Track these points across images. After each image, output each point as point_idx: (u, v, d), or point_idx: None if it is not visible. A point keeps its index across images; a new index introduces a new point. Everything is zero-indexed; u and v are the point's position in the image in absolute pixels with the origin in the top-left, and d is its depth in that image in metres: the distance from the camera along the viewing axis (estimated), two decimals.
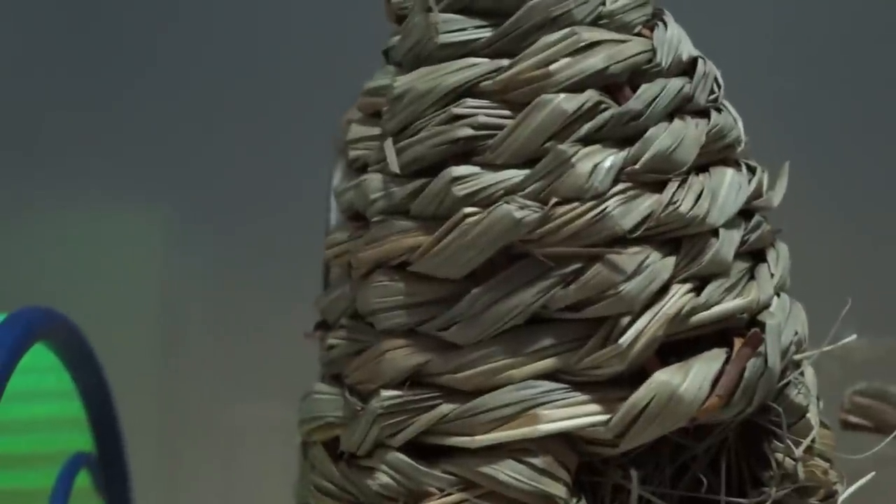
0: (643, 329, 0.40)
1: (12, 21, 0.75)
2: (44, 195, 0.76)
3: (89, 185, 0.76)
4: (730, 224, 0.42)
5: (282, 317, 0.64)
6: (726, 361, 0.40)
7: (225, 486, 0.77)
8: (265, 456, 0.74)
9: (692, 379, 0.39)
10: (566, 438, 0.40)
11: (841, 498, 0.43)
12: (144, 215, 0.77)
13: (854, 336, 0.43)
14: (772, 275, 0.43)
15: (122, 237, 0.77)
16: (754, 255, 0.43)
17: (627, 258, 0.40)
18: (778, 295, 0.43)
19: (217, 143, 0.76)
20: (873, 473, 0.43)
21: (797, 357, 0.42)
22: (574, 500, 0.40)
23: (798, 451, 0.42)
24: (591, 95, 0.41)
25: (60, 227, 0.76)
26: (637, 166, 0.40)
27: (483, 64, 0.41)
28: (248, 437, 0.76)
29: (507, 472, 0.40)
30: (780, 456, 0.42)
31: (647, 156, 0.41)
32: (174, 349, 0.77)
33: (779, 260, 0.43)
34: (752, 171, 0.44)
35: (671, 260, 0.40)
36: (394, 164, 0.42)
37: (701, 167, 0.42)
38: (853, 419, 0.50)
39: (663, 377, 0.39)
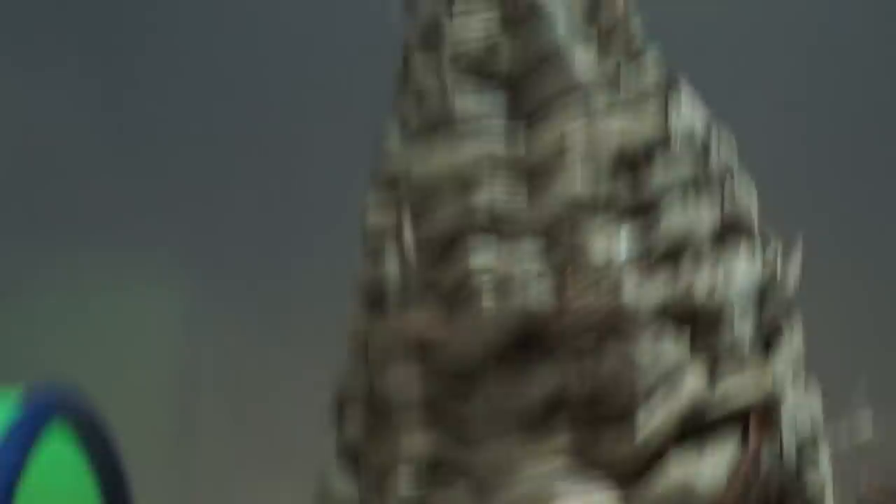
0: (658, 417, 0.40)
1: (41, 105, 0.76)
2: (66, 273, 0.76)
3: (109, 265, 0.76)
4: (744, 298, 0.42)
5: (298, 397, 0.64)
6: (742, 453, 0.40)
7: None
8: None
9: (708, 471, 0.39)
10: None
11: None
12: (163, 296, 0.77)
13: (869, 412, 0.43)
14: (786, 359, 0.42)
15: (141, 317, 0.77)
16: (769, 338, 0.43)
17: (642, 344, 0.40)
18: (793, 379, 0.43)
19: (235, 225, 0.76)
20: None
21: (813, 445, 0.42)
22: None
23: None
24: (605, 168, 0.41)
25: (81, 304, 0.76)
26: (652, 245, 0.41)
27: (499, 136, 0.41)
28: None
29: None
30: None
31: (662, 234, 0.41)
32: (189, 429, 0.77)
33: (793, 342, 0.43)
34: (766, 242, 0.44)
35: (685, 345, 0.40)
36: (410, 247, 0.42)
37: (715, 245, 0.42)
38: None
39: (679, 471, 0.39)
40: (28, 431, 0.45)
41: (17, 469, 0.44)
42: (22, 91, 0.77)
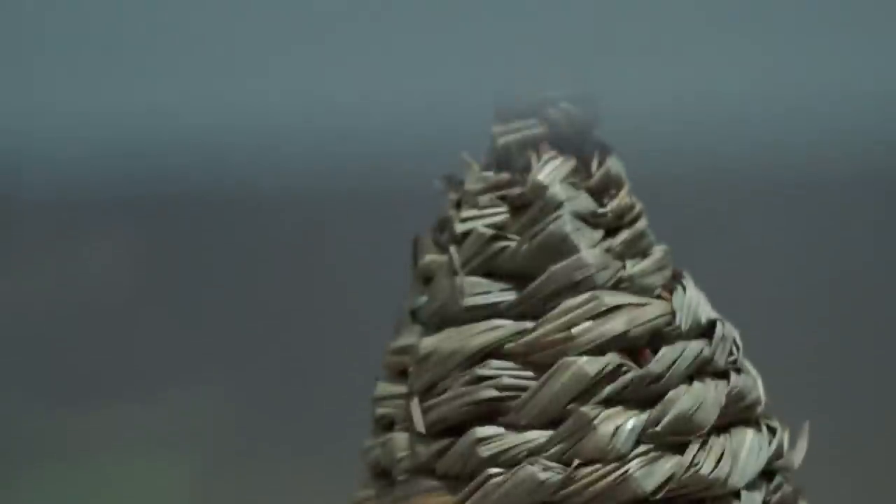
0: None
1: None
2: (72, 440, 0.76)
3: (118, 436, 0.76)
4: (751, 486, 0.42)
5: None
6: None
7: None
8: None
9: None
10: None
11: None
12: (171, 466, 0.77)
13: None
14: None
15: (149, 487, 0.77)
16: None
17: None
18: None
19: (238, 397, 0.77)
20: None
21: None
22: None
23: None
24: (612, 358, 0.42)
25: (91, 473, 0.76)
26: (658, 428, 0.41)
27: (507, 326, 0.43)
28: None
29: None
30: None
31: (668, 418, 0.41)
32: None
33: None
34: (772, 431, 0.44)
35: None
36: (419, 424, 0.43)
37: (721, 428, 0.42)
38: None
39: None
40: None
41: None
42: None
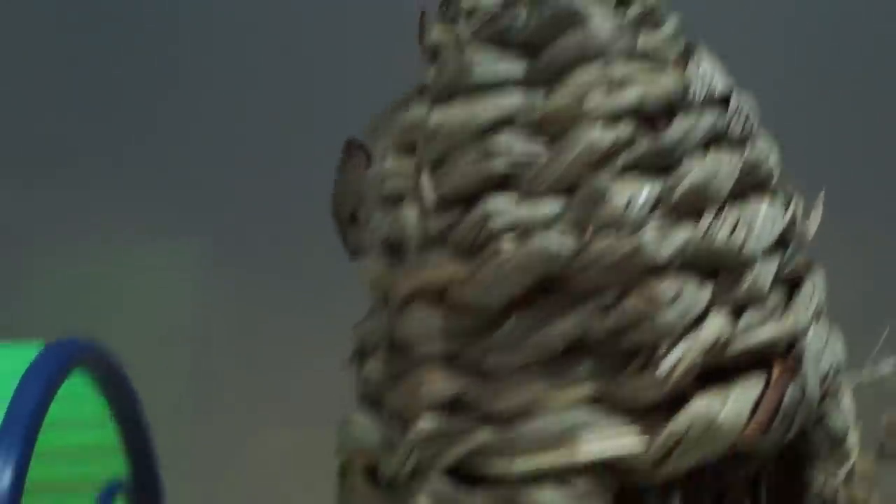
0: (681, 357, 0.40)
1: (46, 55, 0.76)
2: (81, 228, 0.76)
3: (125, 219, 0.76)
4: (766, 253, 0.42)
5: (315, 344, 0.64)
6: (765, 387, 0.40)
7: None
8: (298, 483, 0.74)
9: (731, 406, 0.40)
10: (605, 466, 0.40)
11: None
12: (176, 246, 0.77)
13: (893, 362, 0.44)
14: (808, 302, 0.43)
15: (155, 268, 0.77)
16: (791, 284, 0.43)
17: (664, 288, 0.40)
18: (816, 321, 0.43)
19: (245, 171, 0.76)
20: None
21: (835, 383, 0.43)
22: None
23: (837, 479, 0.42)
24: (626, 127, 0.41)
25: (97, 258, 0.76)
26: (673, 197, 0.41)
27: (518, 97, 0.42)
28: (282, 464, 0.76)
29: (546, 498, 0.40)
30: (819, 482, 0.42)
31: (682, 187, 0.41)
32: (206, 376, 0.77)
33: (815, 287, 0.44)
34: (787, 200, 0.44)
35: (708, 289, 0.41)
36: (430, 197, 0.42)
37: (737, 197, 0.42)
38: (892, 446, 0.50)
39: (702, 405, 0.40)
40: (50, 374, 0.46)
41: (39, 409, 0.44)
42: None
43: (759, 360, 0.41)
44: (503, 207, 0.41)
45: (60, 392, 0.46)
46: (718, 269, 0.41)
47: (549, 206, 0.41)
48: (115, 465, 0.53)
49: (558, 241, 0.40)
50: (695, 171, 0.41)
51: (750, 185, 0.43)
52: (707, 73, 0.43)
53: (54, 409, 0.46)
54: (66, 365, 0.47)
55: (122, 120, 0.76)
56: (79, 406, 0.52)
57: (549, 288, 0.41)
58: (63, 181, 0.76)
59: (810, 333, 0.42)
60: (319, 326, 0.63)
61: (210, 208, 0.77)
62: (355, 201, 0.47)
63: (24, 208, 0.76)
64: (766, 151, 0.44)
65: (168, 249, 0.77)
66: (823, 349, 0.42)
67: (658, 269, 0.40)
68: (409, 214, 0.43)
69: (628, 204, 0.40)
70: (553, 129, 0.41)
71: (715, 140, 0.42)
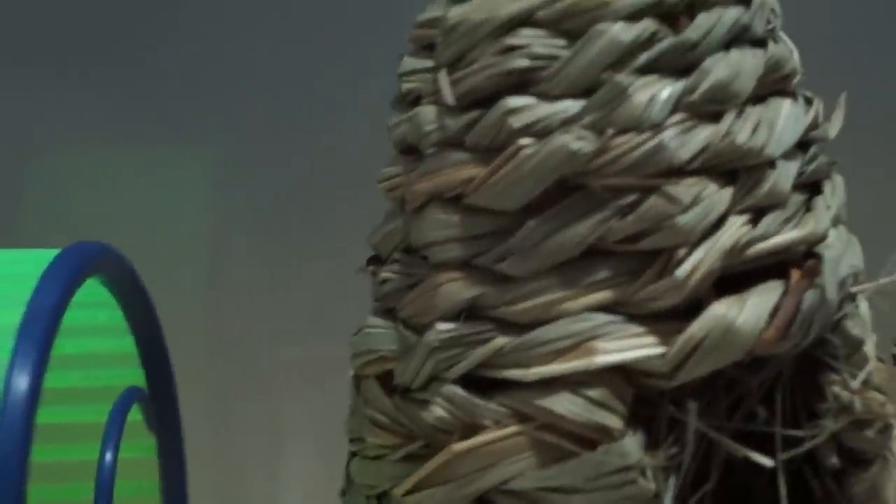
0: (700, 261, 0.39)
1: None
2: (95, 138, 0.76)
3: (137, 128, 0.76)
4: (787, 155, 0.41)
5: (330, 252, 0.64)
6: (783, 293, 0.40)
7: (273, 422, 0.77)
8: (313, 392, 0.74)
9: (749, 311, 0.39)
10: (622, 371, 0.40)
11: None
12: (191, 154, 0.77)
13: None
14: (828, 207, 0.42)
15: (170, 176, 0.77)
16: (811, 187, 0.43)
17: (684, 189, 0.40)
18: (835, 227, 0.42)
19: (262, 77, 0.76)
20: None
21: (854, 290, 0.42)
22: (629, 433, 0.40)
23: (855, 384, 0.42)
24: (648, 25, 0.40)
25: (111, 167, 0.76)
26: (694, 97, 0.40)
27: None
28: (296, 373, 0.76)
29: (562, 404, 0.40)
30: (836, 388, 0.42)
31: (704, 86, 0.40)
32: (222, 286, 0.77)
33: (835, 192, 0.43)
34: (808, 102, 0.44)
35: (728, 191, 0.40)
36: (448, 96, 0.42)
37: (758, 98, 0.41)
38: None
39: (720, 309, 0.39)
40: (69, 277, 0.45)
41: (56, 312, 0.44)
42: None
43: (778, 263, 0.41)
44: (522, 106, 0.40)
45: (76, 298, 0.46)
46: (738, 170, 0.41)
47: (569, 105, 0.40)
48: (131, 374, 0.53)
49: (578, 141, 0.40)
50: (717, 69, 0.40)
51: (771, 84, 0.42)
52: None
53: (70, 316, 0.45)
54: (84, 269, 0.47)
55: (137, 24, 0.76)
56: (95, 313, 0.52)
57: (567, 191, 0.40)
58: (75, 85, 0.76)
59: (830, 238, 0.42)
60: (335, 235, 0.63)
61: (223, 116, 0.76)
62: None
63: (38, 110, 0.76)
64: (788, 51, 0.43)
65: (182, 157, 0.77)
66: (842, 254, 0.42)
67: (678, 170, 0.40)
68: (427, 114, 0.42)
69: (649, 103, 0.40)
70: (573, 27, 0.40)
71: (737, 38, 0.41)
